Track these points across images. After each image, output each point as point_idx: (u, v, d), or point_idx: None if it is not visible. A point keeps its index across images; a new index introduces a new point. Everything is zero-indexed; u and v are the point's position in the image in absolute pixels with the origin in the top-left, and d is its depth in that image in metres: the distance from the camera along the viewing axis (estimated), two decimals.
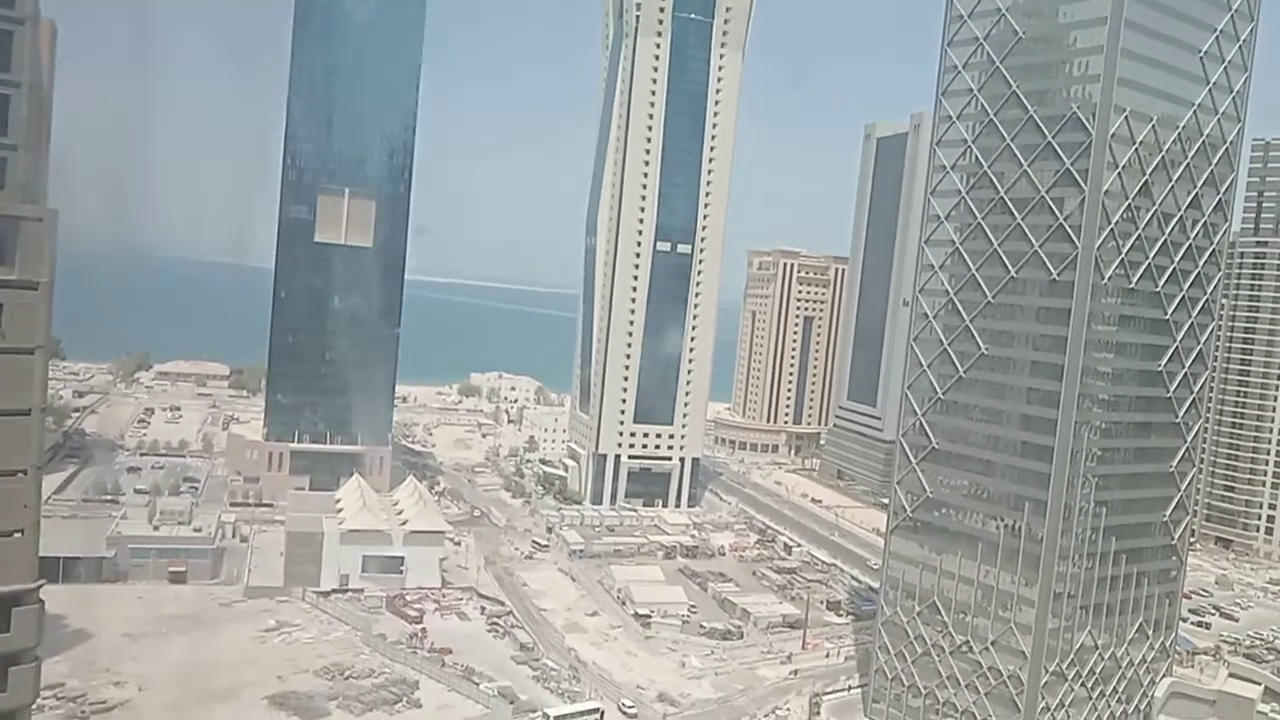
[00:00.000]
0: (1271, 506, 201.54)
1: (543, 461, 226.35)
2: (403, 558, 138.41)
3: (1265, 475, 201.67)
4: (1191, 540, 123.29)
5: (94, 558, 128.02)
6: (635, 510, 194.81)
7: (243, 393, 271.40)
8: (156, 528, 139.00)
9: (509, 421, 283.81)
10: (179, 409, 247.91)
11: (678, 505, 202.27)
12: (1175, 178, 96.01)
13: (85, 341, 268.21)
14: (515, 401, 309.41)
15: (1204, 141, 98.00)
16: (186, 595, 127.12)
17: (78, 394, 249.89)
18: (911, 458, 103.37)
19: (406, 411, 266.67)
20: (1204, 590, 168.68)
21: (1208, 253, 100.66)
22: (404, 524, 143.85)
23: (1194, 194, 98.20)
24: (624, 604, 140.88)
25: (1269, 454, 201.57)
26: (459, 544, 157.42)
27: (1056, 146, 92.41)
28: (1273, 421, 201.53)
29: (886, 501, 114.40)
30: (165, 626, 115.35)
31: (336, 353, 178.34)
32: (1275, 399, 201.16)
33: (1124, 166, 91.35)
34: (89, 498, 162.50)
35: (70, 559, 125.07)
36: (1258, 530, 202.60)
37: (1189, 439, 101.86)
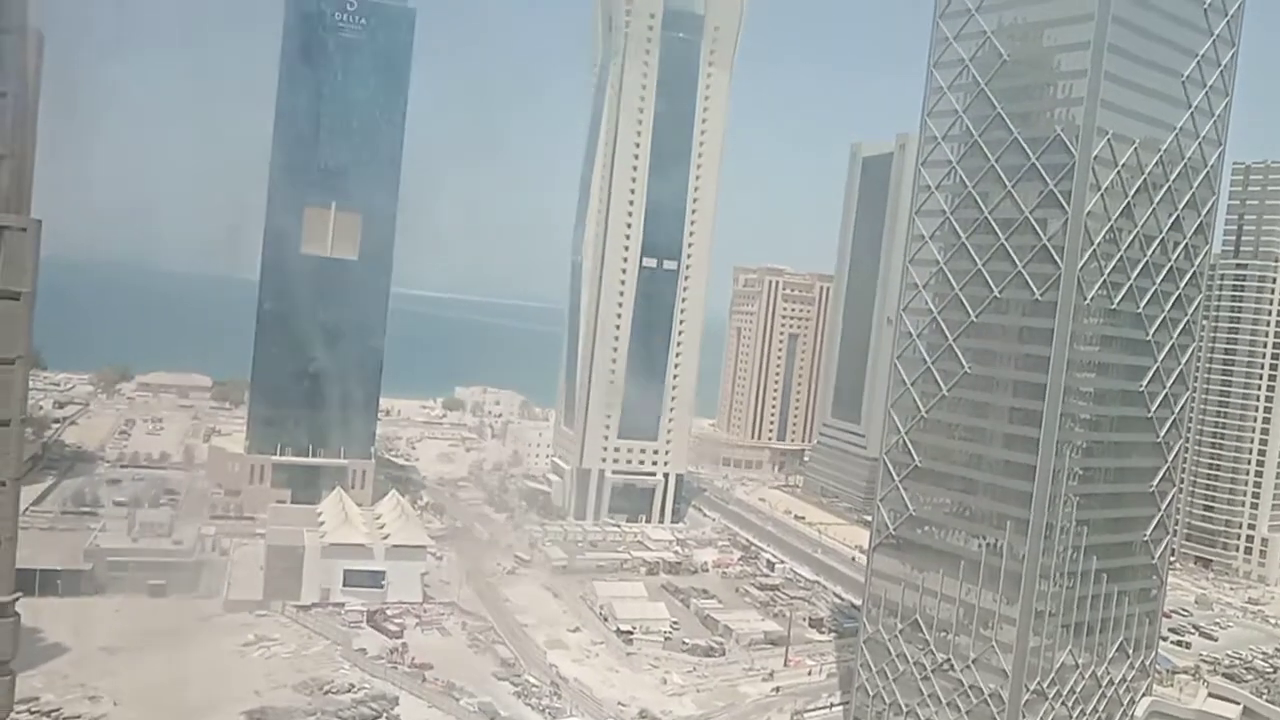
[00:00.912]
0: (1251, 526, 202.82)
1: (526, 476, 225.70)
2: (384, 572, 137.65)
3: (1244, 496, 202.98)
4: (1171, 560, 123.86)
5: (72, 570, 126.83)
6: (619, 526, 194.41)
7: (225, 404, 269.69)
8: (135, 540, 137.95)
9: (493, 436, 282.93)
10: (160, 420, 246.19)
11: (661, 521, 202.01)
12: (1157, 200, 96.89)
13: (67, 351, 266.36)
14: (500, 416, 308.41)
15: (1185, 165, 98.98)
16: (165, 608, 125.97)
17: (58, 404, 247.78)
18: (894, 475, 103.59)
19: (390, 425, 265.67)
20: (1184, 610, 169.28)
21: (1189, 275, 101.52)
22: (385, 538, 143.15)
23: (1175, 216, 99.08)
24: (606, 620, 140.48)
25: (1248, 474, 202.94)
26: (441, 559, 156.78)
27: (1040, 168, 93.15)
28: (1252, 442, 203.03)
29: (869, 519, 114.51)
30: (142, 640, 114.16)
31: (320, 365, 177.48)
32: (1255, 420, 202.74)
33: (1106, 189, 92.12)
34: (68, 509, 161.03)
35: (47, 571, 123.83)
36: (1237, 550, 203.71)
37: (1170, 459, 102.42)
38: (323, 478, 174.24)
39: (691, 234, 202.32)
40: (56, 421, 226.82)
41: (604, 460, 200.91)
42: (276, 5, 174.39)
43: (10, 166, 44.92)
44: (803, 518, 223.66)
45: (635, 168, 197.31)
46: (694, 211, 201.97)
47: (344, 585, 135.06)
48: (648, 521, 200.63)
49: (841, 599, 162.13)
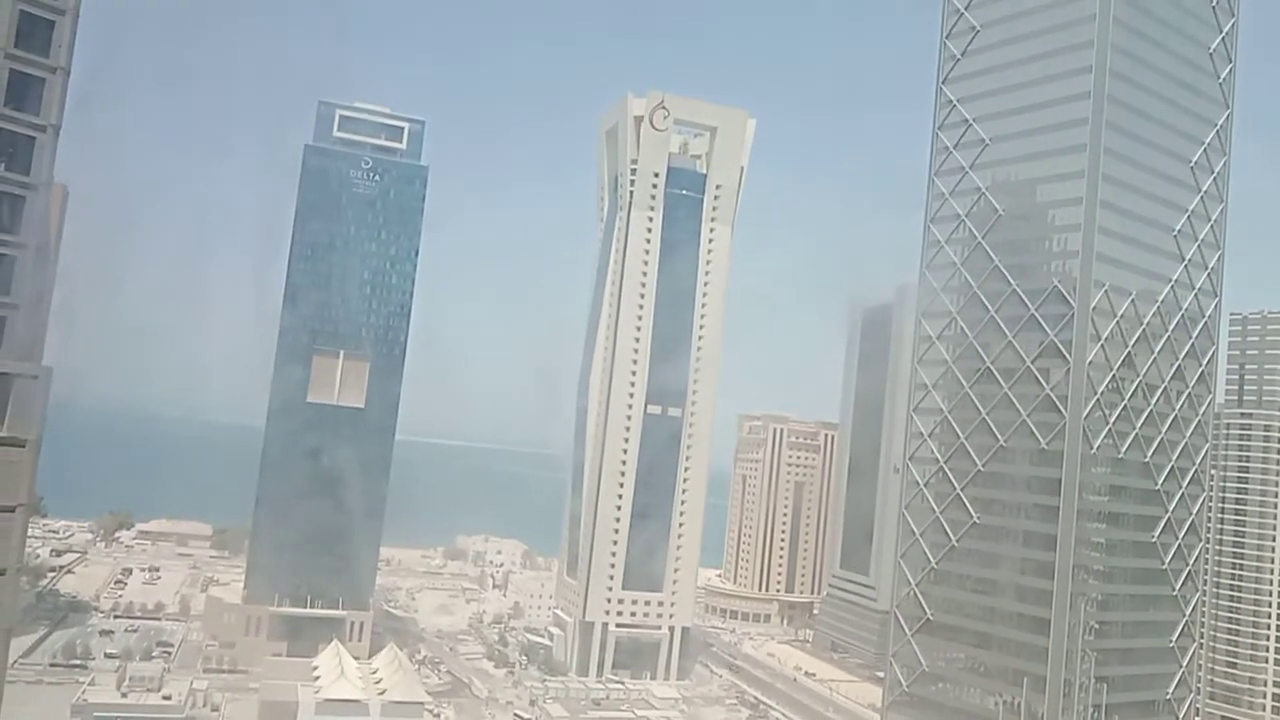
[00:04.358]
0: (1277, 684, 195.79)
1: (527, 629, 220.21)
2: None
3: (1268, 652, 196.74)
4: None
5: None
6: (622, 683, 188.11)
7: (224, 553, 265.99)
8: (125, 695, 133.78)
9: (494, 586, 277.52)
10: (158, 570, 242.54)
11: (666, 677, 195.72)
12: (1157, 350, 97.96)
13: (69, 498, 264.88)
14: (501, 566, 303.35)
15: (1183, 315, 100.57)
16: None
17: (55, 553, 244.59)
18: (906, 629, 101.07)
19: (390, 575, 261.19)
20: None
21: (1193, 424, 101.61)
22: (382, 693, 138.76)
23: (1177, 366, 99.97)
24: None
25: (1269, 629, 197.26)
26: (438, 716, 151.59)
27: (1040, 318, 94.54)
28: (1271, 596, 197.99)
29: (882, 675, 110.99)
30: None
31: (322, 514, 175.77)
32: (1272, 572, 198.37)
33: (1106, 338, 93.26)
34: (57, 662, 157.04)
35: None
36: (1264, 709, 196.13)
37: (1188, 612, 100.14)
38: (320, 629, 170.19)
39: (696, 381, 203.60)
40: (53, 570, 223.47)
41: (607, 612, 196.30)
42: (294, 161, 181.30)
43: (25, 316, 45.68)
44: (813, 674, 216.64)
45: (640, 316, 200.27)
46: (698, 359, 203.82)
47: None
48: (652, 678, 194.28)
49: None
